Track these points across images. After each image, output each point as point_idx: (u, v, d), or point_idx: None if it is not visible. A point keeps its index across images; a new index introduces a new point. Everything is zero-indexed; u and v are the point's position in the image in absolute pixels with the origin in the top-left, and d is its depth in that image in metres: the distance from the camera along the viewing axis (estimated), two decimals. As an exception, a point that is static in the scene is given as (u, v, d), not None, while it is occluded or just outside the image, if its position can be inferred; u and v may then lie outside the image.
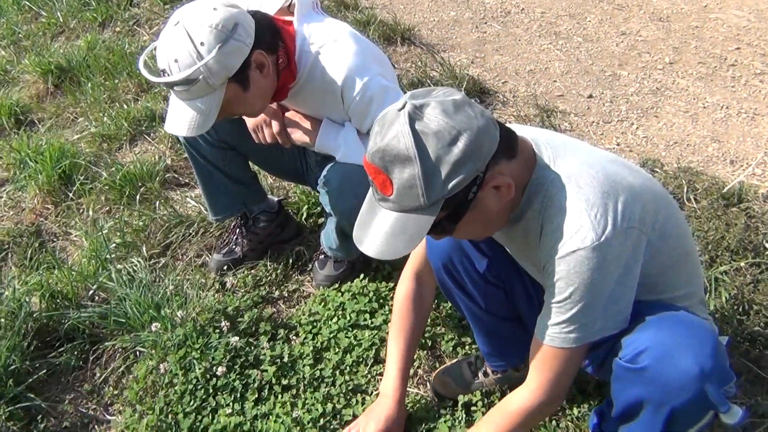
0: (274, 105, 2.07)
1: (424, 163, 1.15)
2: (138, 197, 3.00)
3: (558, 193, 1.27)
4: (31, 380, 2.21)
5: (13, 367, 2.20)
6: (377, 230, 1.25)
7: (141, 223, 2.82)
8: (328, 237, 2.33)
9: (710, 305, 2.11)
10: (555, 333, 1.33)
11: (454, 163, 1.16)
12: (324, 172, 2.03)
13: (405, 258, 1.81)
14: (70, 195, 3.10)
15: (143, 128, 3.54)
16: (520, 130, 1.37)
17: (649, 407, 1.31)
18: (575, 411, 1.88)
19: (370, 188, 1.28)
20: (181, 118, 1.79)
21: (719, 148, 3.01)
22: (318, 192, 2.09)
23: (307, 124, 2.04)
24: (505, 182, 1.24)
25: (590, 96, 3.45)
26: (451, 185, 1.17)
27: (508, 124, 1.33)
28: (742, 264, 2.22)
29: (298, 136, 2.06)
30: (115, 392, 2.21)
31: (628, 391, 1.34)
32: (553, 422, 1.86)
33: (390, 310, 2.19)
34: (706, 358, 1.22)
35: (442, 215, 1.23)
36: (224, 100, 1.77)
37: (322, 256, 2.45)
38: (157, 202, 2.93)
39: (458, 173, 1.17)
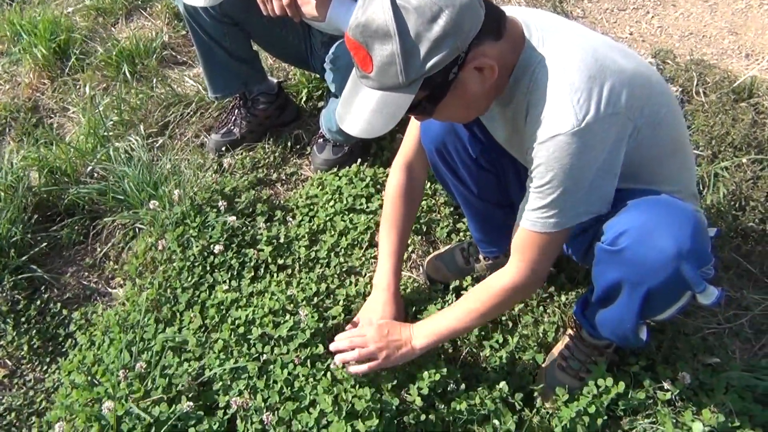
0: None
1: (403, 39, 1.11)
2: (135, 75, 2.94)
3: (543, 76, 1.23)
4: (33, 252, 2.26)
5: (14, 239, 2.24)
6: (358, 108, 1.23)
7: (138, 102, 2.77)
8: (329, 119, 2.29)
9: (707, 200, 2.11)
10: (535, 218, 1.33)
11: (433, 41, 1.12)
12: (332, 49, 1.98)
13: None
14: (66, 70, 3.04)
15: (139, 2, 3.41)
16: (511, 10, 1.31)
17: (626, 288, 1.33)
18: (563, 298, 1.92)
19: (354, 66, 1.25)
20: None
21: (736, 40, 2.90)
22: (324, 71, 2.04)
23: None
24: (487, 64, 1.20)
25: (607, -19, 3.29)
26: (430, 64, 1.14)
27: (501, 6, 1.27)
28: (744, 160, 2.19)
29: (308, 9, 1.98)
30: (116, 267, 2.26)
31: (607, 274, 1.36)
32: (541, 308, 1.90)
33: (386, 196, 2.19)
34: (685, 238, 1.23)
35: (421, 95, 1.20)
36: None
37: (321, 140, 2.42)
38: (155, 80, 2.87)
39: (438, 51, 1.13)
